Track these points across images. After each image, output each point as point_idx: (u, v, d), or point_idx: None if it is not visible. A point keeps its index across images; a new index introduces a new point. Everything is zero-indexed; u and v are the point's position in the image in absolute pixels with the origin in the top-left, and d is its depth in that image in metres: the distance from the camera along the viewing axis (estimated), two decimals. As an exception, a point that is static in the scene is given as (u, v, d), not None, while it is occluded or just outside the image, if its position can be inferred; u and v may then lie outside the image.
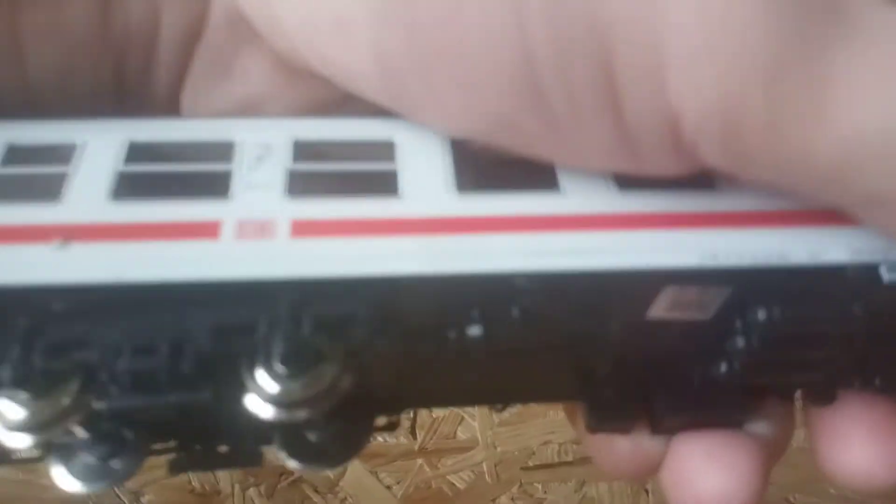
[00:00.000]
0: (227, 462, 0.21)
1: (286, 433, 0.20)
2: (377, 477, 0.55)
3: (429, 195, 0.19)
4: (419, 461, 0.56)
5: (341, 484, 0.54)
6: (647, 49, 0.15)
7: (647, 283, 0.18)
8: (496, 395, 0.22)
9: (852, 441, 0.21)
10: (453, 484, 0.56)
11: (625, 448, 0.22)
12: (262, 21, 0.20)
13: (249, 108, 0.22)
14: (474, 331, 0.18)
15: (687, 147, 0.17)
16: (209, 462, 0.21)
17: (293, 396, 0.17)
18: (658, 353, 0.20)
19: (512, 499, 0.55)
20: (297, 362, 0.17)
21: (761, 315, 0.18)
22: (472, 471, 0.56)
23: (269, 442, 0.20)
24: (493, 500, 0.55)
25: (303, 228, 0.18)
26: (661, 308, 0.19)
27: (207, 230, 0.18)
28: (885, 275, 0.18)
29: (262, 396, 0.17)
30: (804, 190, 0.17)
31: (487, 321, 0.18)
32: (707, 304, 0.19)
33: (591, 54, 0.16)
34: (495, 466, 0.56)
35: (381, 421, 0.21)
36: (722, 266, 0.18)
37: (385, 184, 0.19)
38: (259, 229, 0.18)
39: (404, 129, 0.20)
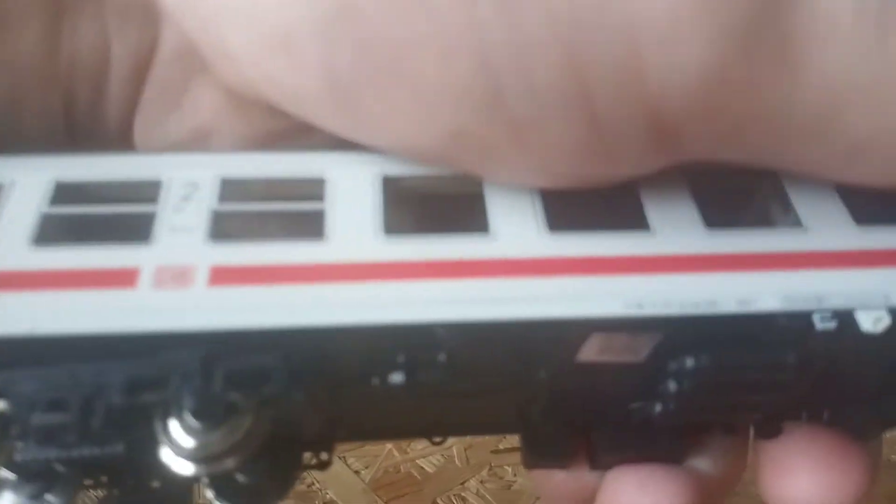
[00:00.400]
0: (157, 499, 0.21)
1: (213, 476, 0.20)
2: (345, 462, 0.55)
3: (355, 239, 0.18)
4: (388, 445, 0.56)
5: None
6: (619, 40, 0.15)
7: (571, 332, 0.18)
8: (430, 429, 0.22)
9: (797, 473, 0.21)
10: (422, 468, 0.56)
11: (562, 479, 0.22)
12: (209, 45, 0.19)
13: (201, 140, 0.22)
14: (396, 378, 0.18)
15: (669, 135, 0.17)
16: (140, 499, 0.21)
17: (208, 450, 0.17)
18: (593, 392, 0.20)
19: (481, 482, 0.56)
20: (210, 416, 0.17)
21: (690, 363, 0.18)
22: (442, 455, 0.57)
23: (198, 480, 0.20)
24: (463, 484, 0.55)
25: (222, 276, 0.18)
26: (590, 353, 0.18)
27: (125, 278, 0.17)
28: (819, 324, 0.18)
29: (176, 451, 0.17)
30: (788, 152, 0.17)
31: (410, 369, 0.18)
32: (638, 348, 0.18)
33: (555, 55, 0.15)
34: (465, 450, 0.57)
35: (310, 459, 0.21)
36: (647, 315, 0.18)
37: (311, 226, 0.19)
38: (177, 276, 0.17)
39: (337, 165, 0.20)
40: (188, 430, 0.17)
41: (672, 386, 0.19)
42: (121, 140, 0.22)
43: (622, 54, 0.15)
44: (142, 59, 0.21)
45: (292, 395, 0.17)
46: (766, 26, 0.15)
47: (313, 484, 0.54)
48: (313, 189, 0.19)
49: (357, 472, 0.55)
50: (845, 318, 0.18)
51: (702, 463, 0.22)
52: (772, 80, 0.16)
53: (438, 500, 0.55)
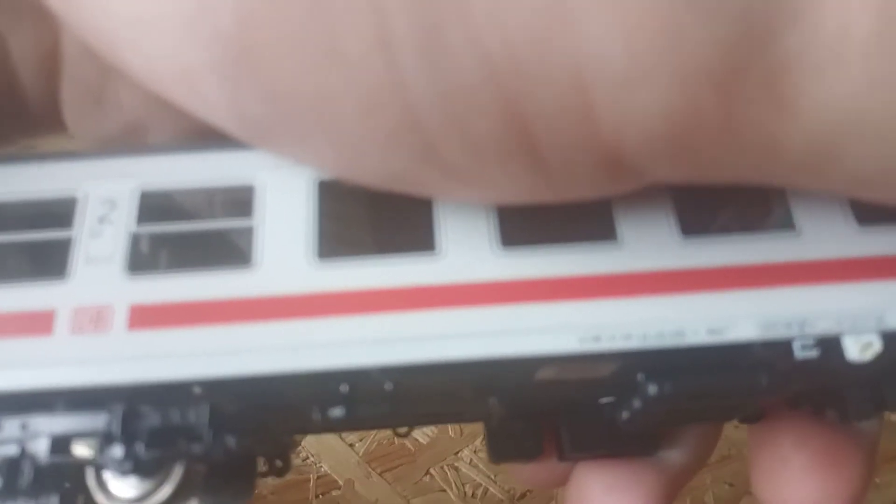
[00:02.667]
0: None
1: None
2: (339, 435, 0.54)
3: (285, 265, 0.17)
4: (382, 417, 0.55)
5: (303, 443, 0.54)
6: (565, 85, 0.13)
7: (522, 368, 0.16)
8: (394, 421, 0.21)
9: (791, 472, 0.20)
10: (416, 439, 0.55)
11: (533, 469, 0.22)
12: (113, 61, 0.17)
13: (133, 134, 0.20)
14: (337, 413, 0.16)
15: (630, 172, 0.15)
16: None
17: (144, 500, 0.16)
18: (559, 391, 0.19)
19: (475, 451, 0.55)
20: (138, 472, 0.15)
21: (652, 389, 0.16)
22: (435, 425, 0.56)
23: None
24: (456, 454, 0.55)
25: (142, 317, 0.16)
26: (547, 374, 0.17)
27: (41, 324, 0.16)
28: (799, 352, 0.16)
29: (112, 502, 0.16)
30: (774, 181, 0.15)
31: (351, 404, 0.16)
32: (599, 368, 0.17)
33: (492, 103, 0.13)
34: (459, 419, 0.56)
35: (264, 466, 0.20)
36: (605, 350, 0.16)
37: (239, 249, 0.17)
38: (95, 319, 0.16)
39: (268, 168, 0.18)
40: (120, 482, 0.16)
41: (637, 403, 0.17)
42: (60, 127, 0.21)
43: (569, 100, 0.13)
44: (46, 57, 0.19)
45: (224, 445, 0.16)
46: (749, 60, 0.13)
47: (308, 458, 0.53)
48: (241, 201, 0.18)
49: (351, 445, 0.54)
50: (829, 346, 0.16)
51: (673, 454, 0.21)
52: (756, 119, 0.13)
53: (432, 470, 0.54)
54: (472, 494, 0.53)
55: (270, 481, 0.19)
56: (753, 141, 0.14)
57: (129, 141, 0.20)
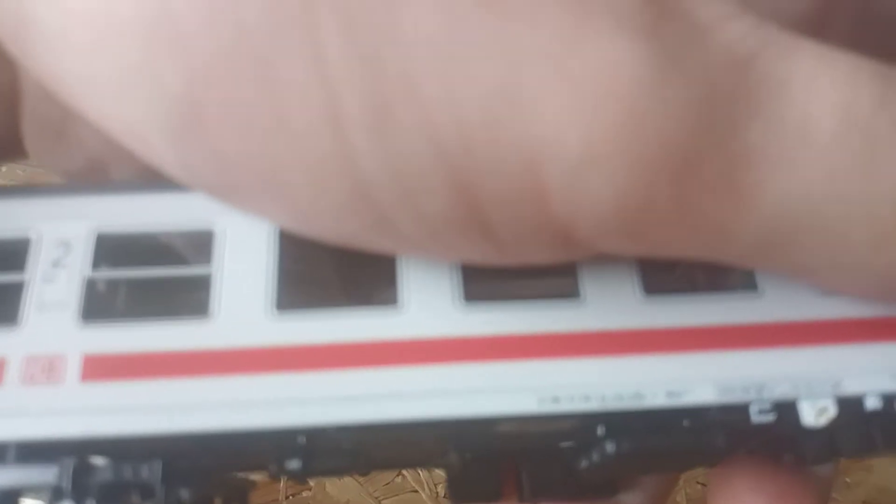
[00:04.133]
0: None
1: None
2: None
3: (243, 317, 0.16)
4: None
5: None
6: (518, 171, 0.13)
7: (481, 426, 0.16)
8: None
9: None
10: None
11: None
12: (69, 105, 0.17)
13: (96, 170, 0.20)
14: (294, 465, 0.16)
15: (583, 247, 0.15)
16: None
17: None
18: (518, 447, 0.19)
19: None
20: None
21: (610, 447, 0.16)
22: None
23: None
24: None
25: (95, 368, 0.16)
26: (508, 428, 0.17)
27: None
28: (755, 416, 0.16)
29: None
30: (724, 262, 0.15)
31: (308, 456, 0.16)
32: (560, 424, 0.17)
33: (442, 183, 0.13)
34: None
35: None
36: (563, 412, 0.16)
37: (196, 298, 0.17)
38: (47, 369, 0.16)
39: (229, 211, 0.18)
40: None
41: (595, 456, 0.17)
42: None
43: (521, 182, 0.13)
44: (5, 91, 0.19)
45: (178, 500, 0.16)
46: (708, 151, 0.13)
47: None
48: (200, 245, 0.17)
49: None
50: (786, 410, 0.16)
51: (632, 498, 0.21)
52: (709, 207, 0.13)
53: (404, 471, 0.54)
54: (445, 495, 0.54)
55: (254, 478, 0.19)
56: (705, 228, 0.14)
57: (93, 176, 0.20)
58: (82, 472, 0.15)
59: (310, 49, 0.12)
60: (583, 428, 0.17)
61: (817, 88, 0.13)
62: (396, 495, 0.53)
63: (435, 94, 0.12)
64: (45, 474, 0.15)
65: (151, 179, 0.18)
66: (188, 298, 0.17)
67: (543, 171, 0.13)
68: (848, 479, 0.53)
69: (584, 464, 0.18)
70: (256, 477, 0.19)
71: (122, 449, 0.15)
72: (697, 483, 0.54)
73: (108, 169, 0.20)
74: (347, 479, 0.53)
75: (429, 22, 0.12)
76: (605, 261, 0.17)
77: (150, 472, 0.15)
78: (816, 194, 0.13)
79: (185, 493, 0.16)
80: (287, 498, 0.51)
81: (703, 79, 0.13)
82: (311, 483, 0.52)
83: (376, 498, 0.52)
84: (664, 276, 0.17)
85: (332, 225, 0.15)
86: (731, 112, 0.13)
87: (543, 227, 0.14)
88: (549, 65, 0.12)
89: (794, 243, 0.14)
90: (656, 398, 0.16)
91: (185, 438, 0.15)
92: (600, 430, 0.16)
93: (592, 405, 0.16)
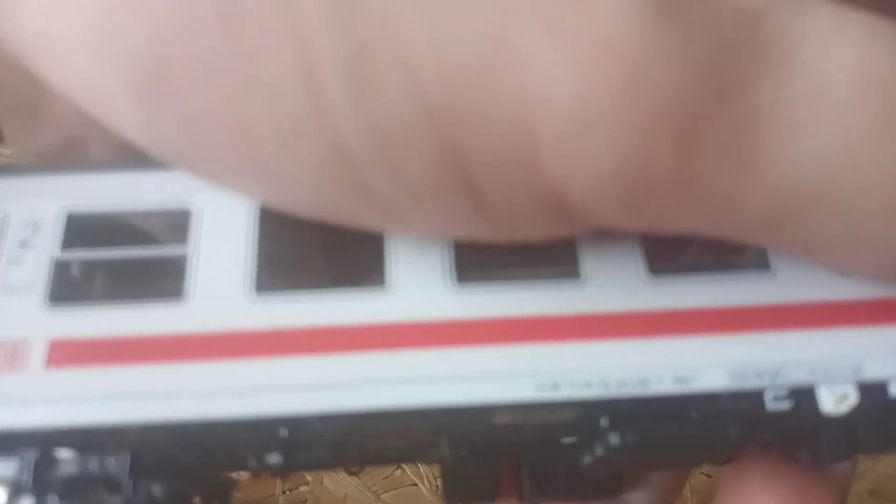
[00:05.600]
0: None
1: None
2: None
3: (221, 299, 0.15)
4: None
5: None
6: (508, 127, 0.12)
7: (476, 415, 0.15)
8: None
9: None
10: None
11: None
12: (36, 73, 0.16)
13: (73, 148, 0.19)
14: (274, 458, 0.15)
15: (577, 216, 0.14)
16: None
17: None
18: (516, 441, 0.17)
19: (448, 445, 0.54)
20: None
21: (614, 439, 0.15)
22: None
23: None
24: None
25: (61, 353, 0.15)
26: (505, 419, 0.16)
27: None
28: (770, 404, 0.15)
29: None
30: (732, 237, 0.14)
31: (289, 450, 0.15)
32: (560, 413, 0.16)
33: (427, 142, 0.12)
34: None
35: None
36: (563, 399, 0.15)
37: (171, 280, 0.16)
38: (10, 355, 0.15)
39: (207, 189, 0.16)
40: None
41: (599, 450, 0.16)
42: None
43: (512, 140, 0.12)
44: None
45: (147, 495, 0.14)
46: (714, 111, 0.12)
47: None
48: (176, 227, 0.16)
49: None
50: (803, 397, 0.15)
51: (639, 497, 0.20)
52: (716, 174, 0.12)
53: (402, 464, 0.53)
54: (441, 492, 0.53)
55: (236, 476, 0.18)
56: (710, 198, 0.13)
57: (70, 155, 0.19)
58: (44, 466, 0.14)
59: None
60: (585, 419, 0.15)
61: (833, 48, 0.12)
62: (395, 489, 0.52)
63: (417, 40, 0.11)
64: (4, 468, 0.14)
65: (129, 158, 0.17)
66: (163, 280, 0.16)
67: (536, 127, 0.12)
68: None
69: (586, 459, 0.17)
70: (240, 475, 0.18)
71: (87, 440, 0.14)
72: (703, 474, 0.53)
73: (85, 147, 0.19)
74: (345, 473, 0.52)
75: None
76: (606, 239, 0.16)
77: (118, 465, 0.14)
78: (830, 162, 0.12)
79: (156, 489, 0.15)
80: (284, 493, 0.50)
81: (708, 34, 0.12)
82: (309, 477, 0.51)
83: (375, 492, 0.51)
84: (670, 254, 0.16)
85: (307, 192, 0.13)
86: (738, 70, 0.12)
87: (536, 193, 0.13)
88: (542, 13, 0.11)
89: (806, 216, 0.13)
90: (663, 384, 0.15)
91: (156, 429, 0.14)
92: (604, 422, 0.15)
93: (594, 392, 0.15)
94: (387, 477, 0.52)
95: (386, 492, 0.52)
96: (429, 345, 0.15)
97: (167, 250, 0.16)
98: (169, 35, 0.12)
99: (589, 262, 0.16)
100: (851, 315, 0.16)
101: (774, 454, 0.19)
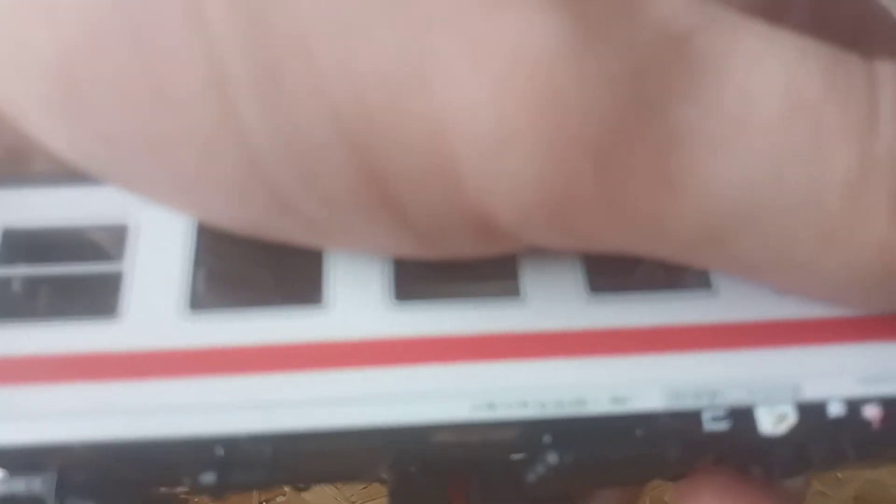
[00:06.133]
0: None
1: None
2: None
3: (154, 316, 0.15)
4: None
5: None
6: (425, 149, 0.12)
7: (414, 435, 0.15)
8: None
9: None
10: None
11: None
12: None
13: (17, 161, 0.18)
14: (208, 478, 0.15)
15: (504, 235, 0.13)
16: None
17: None
18: (461, 458, 0.17)
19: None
20: None
21: (553, 459, 0.15)
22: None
23: None
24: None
25: None
26: (445, 437, 0.15)
27: None
28: (708, 424, 0.15)
29: None
30: (664, 258, 0.14)
31: (224, 470, 0.15)
32: (501, 432, 0.16)
33: (344, 161, 0.12)
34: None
35: None
36: (499, 419, 0.15)
37: (106, 297, 0.15)
38: None
39: (145, 205, 0.16)
40: None
41: (541, 468, 0.16)
42: None
43: (431, 161, 0.12)
44: None
45: None
46: (635, 131, 0.12)
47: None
48: (113, 241, 0.16)
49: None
50: (741, 417, 0.15)
51: None
52: (640, 195, 0.12)
53: (384, 476, 0.53)
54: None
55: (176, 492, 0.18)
56: (635, 218, 0.12)
57: (14, 168, 0.19)
58: None
59: (188, 6, 0.11)
60: (528, 437, 0.15)
61: (761, 68, 0.12)
62: (374, 499, 0.52)
63: (330, 59, 0.11)
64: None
65: (71, 172, 0.17)
66: (97, 297, 0.15)
67: (454, 149, 0.11)
68: (839, 475, 0.52)
69: (530, 478, 0.17)
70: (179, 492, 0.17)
71: (14, 460, 0.14)
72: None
73: (28, 159, 0.19)
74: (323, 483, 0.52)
75: None
76: (547, 257, 0.16)
77: (44, 484, 0.14)
78: (758, 183, 0.12)
79: None
80: (261, 503, 0.50)
81: (629, 54, 0.11)
82: (286, 487, 0.51)
83: (353, 502, 0.51)
84: (611, 273, 0.16)
85: (230, 208, 0.13)
86: (661, 91, 0.12)
87: (461, 213, 0.13)
88: (457, 31, 0.11)
89: (735, 238, 0.13)
90: (600, 404, 0.15)
91: (85, 448, 0.14)
92: (546, 439, 0.15)
93: (531, 412, 0.15)
94: (365, 487, 0.52)
95: (366, 502, 0.52)
96: (366, 364, 0.15)
97: (103, 267, 0.16)
98: (79, 50, 0.12)
99: (529, 281, 0.16)
100: (792, 335, 0.15)
101: (727, 469, 0.19)
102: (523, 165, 0.12)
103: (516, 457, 0.17)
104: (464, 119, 0.11)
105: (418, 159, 0.12)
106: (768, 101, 0.12)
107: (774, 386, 0.15)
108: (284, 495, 0.50)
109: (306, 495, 0.51)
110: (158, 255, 0.16)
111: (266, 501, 0.50)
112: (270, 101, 0.11)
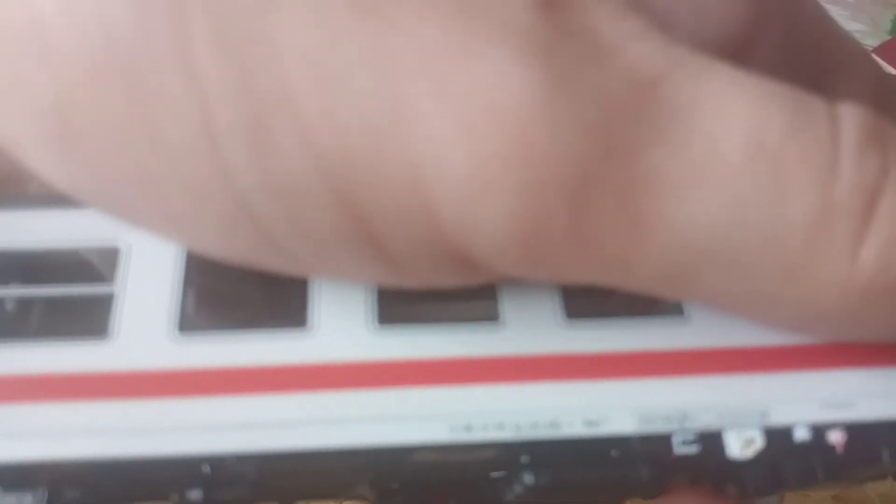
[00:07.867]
0: None
1: None
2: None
3: (144, 338, 0.16)
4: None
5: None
6: (404, 190, 0.12)
7: (394, 456, 0.15)
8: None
9: None
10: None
11: None
12: None
13: (13, 184, 0.19)
14: (195, 495, 0.15)
15: (481, 268, 0.14)
16: None
17: None
18: (441, 478, 0.18)
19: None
20: None
21: (529, 479, 0.16)
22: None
23: None
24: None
25: None
26: (425, 458, 0.16)
27: None
28: (678, 447, 0.15)
29: None
30: (634, 290, 0.15)
31: (210, 486, 0.15)
32: (479, 453, 0.16)
33: (327, 202, 0.13)
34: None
35: None
36: (476, 441, 0.15)
37: (96, 318, 0.16)
38: None
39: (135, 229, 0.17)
40: None
41: (518, 488, 0.17)
42: None
43: (409, 202, 0.12)
44: None
45: None
46: (603, 175, 0.12)
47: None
48: (104, 264, 0.17)
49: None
50: (710, 441, 0.15)
51: None
52: (608, 235, 0.13)
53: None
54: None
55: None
56: (605, 256, 0.13)
57: (10, 191, 0.19)
58: None
59: (180, 58, 0.12)
60: (506, 458, 0.16)
61: (726, 113, 0.13)
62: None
63: (313, 108, 0.12)
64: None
65: (65, 195, 0.17)
66: (87, 319, 0.16)
67: (431, 191, 0.12)
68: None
69: (508, 497, 0.17)
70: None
71: (4, 476, 0.14)
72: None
73: (25, 182, 0.19)
74: None
75: (302, 33, 0.11)
76: (526, 284, 0.17)
77: (34, 501, 0.14)
78: (722, 223, 0.13)
79: None
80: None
81: (599, 101, 0.12)
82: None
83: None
84: (587, 299, 0.17)
85: (218, 243, 0.14)
86: (630, 136, 0.12)
87: (439, 249, 0.13)
88: (431, 80, 0.11)
89: (699, 276, 0.13)
90: (573, 427, 0.15)
91: (74, 465, 0.14)
92: (524, 460, 0.16)
93: (507, 434, 0.15)
94: None
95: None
96: (348, 386, 0.15)
97: (94, 288, 0.16)
98: (75, 93, 0.12)
99: (508, 307, 0.16)
100: (760, 361, 0.16)
101: (702, 488, 0.19)
102: (499, 210, 0.12)
103: (496, 475, 0.18)
104: (441, 167, 0.12)
105: (399, 203, 0.12)
106: (732, 145, 0.12)
107: (743, 411, 0.16)
108: None
109: None
110: (149, 278, 0.16)
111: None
112: (258, 149, 0.12)
